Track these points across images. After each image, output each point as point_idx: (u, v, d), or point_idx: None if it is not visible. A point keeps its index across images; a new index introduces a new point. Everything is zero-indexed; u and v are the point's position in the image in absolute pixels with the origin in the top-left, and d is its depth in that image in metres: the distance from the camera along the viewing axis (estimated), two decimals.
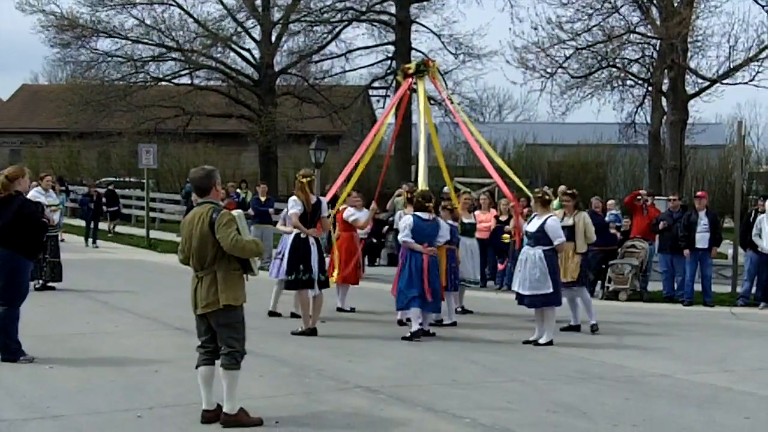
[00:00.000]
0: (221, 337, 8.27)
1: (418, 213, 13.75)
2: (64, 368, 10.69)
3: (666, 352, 13.26)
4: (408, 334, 13.40)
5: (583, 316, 14.85)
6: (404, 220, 13.84)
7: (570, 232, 14.43)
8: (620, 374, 11.49)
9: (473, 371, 11.41)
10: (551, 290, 13.33)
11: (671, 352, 13.35)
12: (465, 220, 16.47)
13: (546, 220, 13.50)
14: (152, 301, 16.86)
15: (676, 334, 15.16)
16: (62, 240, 27.90)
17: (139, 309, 15.74)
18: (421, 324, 13.49)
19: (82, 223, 30.61)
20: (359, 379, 10.55)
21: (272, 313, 15.21)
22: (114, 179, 39.85)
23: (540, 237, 13.46)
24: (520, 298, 13.69)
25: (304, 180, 13.55)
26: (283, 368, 11.11)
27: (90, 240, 28.82)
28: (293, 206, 13.40)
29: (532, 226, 13.66)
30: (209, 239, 8.13)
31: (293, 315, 15.09)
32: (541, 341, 13.35)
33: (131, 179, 41.81)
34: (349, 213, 15.56)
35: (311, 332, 13.46)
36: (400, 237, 13.81)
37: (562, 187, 16.60)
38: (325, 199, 14.22)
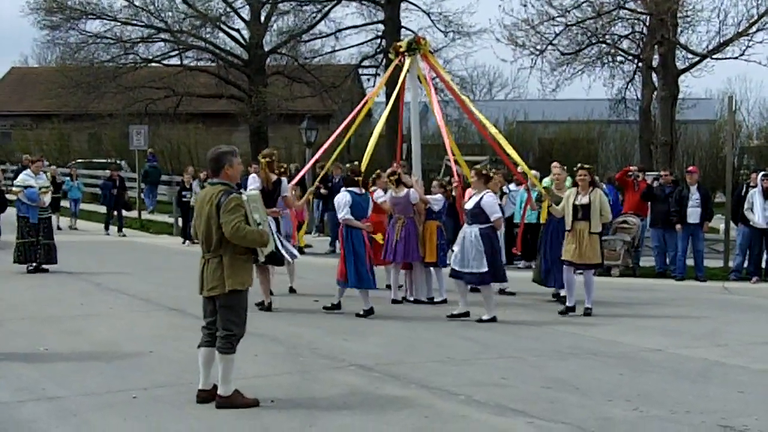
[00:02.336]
0: (221, 318, 8.25)
1: (351, 189, 13.69)
2: (59, 350, 10.69)
3: (659, 328, 13.29)
4: (362, 311, 13.46)
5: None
6: (341, 198, 13.69)
7: (585, 210, 14.00)
8: (613, 350, 11.51)
9: (467, 348, 11.42)
10: (486, 269, 13.17)
11: (664, 327, 13.38)
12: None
13: (483, 196, 13.32)
14: (145, 282, 16.85)
15: (668, 309, 15.19)
16: (75, 228, 27.91)
17: (133, 290, 15.73)
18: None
19: (98, 208, 30.40)
20: (354, 357, 10.56)
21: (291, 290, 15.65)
22: (81, 160, 40.03)
23: (477, 214, 13.29)
24: (457, 275, 13.55)
25: (264, 159, 13.84)
26: (278, 347, 11.12)
27: (115, 228, 27.57)
28: (251, 183, 13.55)
29: (469, 204, 13.52)
30: (215, 222, 8.09)
31: (291, 290, 15.29)
32: (484, 318, 13.25)
33: (110, 161, 41.67)
34: (379, 195, 15.30)
35: (268, 308, 13.61)
36: (340, 216, 13.61)
37: (554, 164, 16.54)
38: (285, 179, 14.31)
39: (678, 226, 18.83)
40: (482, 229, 13.23)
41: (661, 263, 19.70)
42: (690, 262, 19.09)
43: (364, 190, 13.90)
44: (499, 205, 13.93)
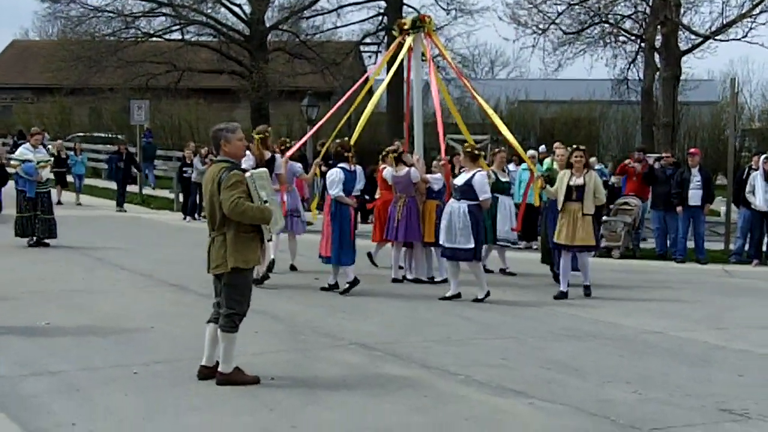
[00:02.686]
0: (224, 296, 8.26)
1: (342, 165, 13.66)
2: (60, 325, 10.71)
3: (659, 310, 13.32)
4: (347, 285, 13.54)
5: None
6: (333, 174, 13.60)
7: (580, 192, 13.95)
8: (613, 332, 11.54)
9: (467, 328, 11.46)
10: (472, 245, 13.17)
11: (664, 309, 13.41)
12: (501, 178, 16.39)
13: (474, 174, 13.29)
14: (147, 258, 16.86)
15: (669, 292, 15.22)
16: (79, 204, 27.84)
17: (134, 265, 15.75)
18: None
19: (106, 183, 30.28)
20: (354, 335, 10.59)
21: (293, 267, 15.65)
22: (82, 134, 39.98)
23: (466, 191, 13.27)
24: (443, 250, 13.65)
25: (257, 136, 13.94)
26: (278, 325, 11.14)
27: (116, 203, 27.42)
28: (245, 161, 13.47)
29: (459, 180, 13.51)
30: (218, 200, 8.08)
31: (292, 268, 15.32)
32: (479, 296, 13.29)
33: (94, 133, 41.71)
34: (388, 172, 15.32)
35: (262, 280, 13.58)
36: (332, 193, 13.54)
37: (557, 144, 16.53)
38: (279, 156, 14.34)
39: (679, 208, 18.84)
40: (470, 206, 13.23)
41: (662, 245, 19.72)
42: (691, 244, 19.11)
43: (353, 167, 13.89)
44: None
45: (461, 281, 13.50)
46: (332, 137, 18.07)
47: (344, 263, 13.56)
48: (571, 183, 13.98)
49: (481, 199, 13.25)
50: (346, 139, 14.60)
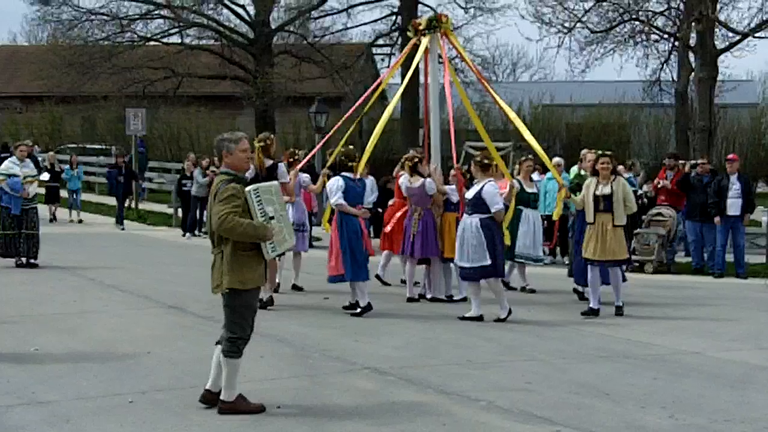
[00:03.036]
0: (225, 319, 8.25)
1: (345, 174, 13.69)
2: (50, 350, 10.70)
3: (696, 328, 13.26)
4: (358, 309, 13.49)
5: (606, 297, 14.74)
6: (333, 183, 13.70)
7: (608, 201, 13.83)
8: (647, 352, 11.49)
9: (489, 350, 11.42)
10: (489, 262, 13.11)
11: (701, 328, 13.35)
12: (527, 189, 16.29)
13: (483, 186, 13.24)
14: (143, 277, 16.89)
15: (706, 309, 15.15)
16: (80, 221, 27.86)
17: (130, 286, 15.77)
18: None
19: (99, 198, 30.26)
20: (366, 359, 10.56)
21: (295, 287, 15.60)
22: (75, 145, 40.12)
23: (477, 204, 13.22)
24: (461, 271, 13.64)
25: (258, 144, 13.89)
26: (285, 348, 11.12)
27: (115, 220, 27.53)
28: (251, 173, 13.54)
29: (470, 193, 13.47)
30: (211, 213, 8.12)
31: (295, 288, 15.31)
32: (501, 316, 13.23)
33: (93, 146, 41.79)
34: (404, 182, 15.20)
35: (267, 303, 13.57)
36: (332, 201, 13.63)
37: (584, 151, 16.48)
38: (283, 164, 14.31)
39: (717, 219, 18.79)
40: (483, 220, 13.17)
41: (699, 259, 19.67)
42: (729, 257, 19.04)
43: (359, 176, 13.90)
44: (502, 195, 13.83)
45: (483, 299, 13.45)
46: (341, 144, 17.95)
47: (356, 279, 13.54)
48: (598, 192, 13.90)
49: (493, 210, 13.18)
50: (352, 147, 14.59)
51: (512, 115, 16.71)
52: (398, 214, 15.72)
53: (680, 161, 21.71)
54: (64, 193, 29.37)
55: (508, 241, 15.96)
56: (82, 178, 30.37)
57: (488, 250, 13.08)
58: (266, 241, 8.16)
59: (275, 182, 9.10)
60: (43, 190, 28.41)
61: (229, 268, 8.09)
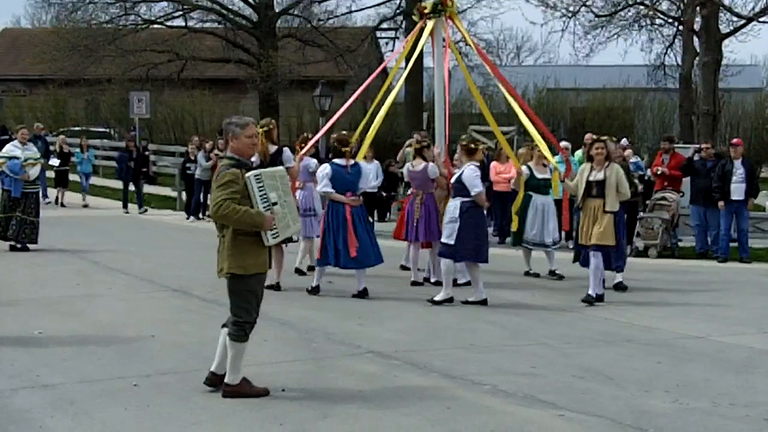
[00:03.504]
0: (231, 303, 8.23)
1: (335, 160, 13.66)
2: (54, 334, 10.70)
3: (700, 313, 13.24)
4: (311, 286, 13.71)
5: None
6: (321, 170, 13.76)
7: (600, 187, 13.68)
8: (650, 337, 11.48)
9: (492, 334, 11.41)
10: (452, 242, 13.14)
11: (705, 312, 13.33)
12: (538, 175, 16.22)
13: (464, 170, 13.28)
14: (147, 261, 16.89)
15: (710, 293, 15.13)
16: (85, 206, 27.76)
17: (134, 269, 15.76)
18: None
19: (104, 182, 30.07)
20: (370, 343, 10.55)
21: (297, 270, 15.58)
22: (76, 128, 39.95)
23: (459, 188, 13.26)
24: (442, 253, 13.64)
25: (261, 129, 13.71)
26: (289, 332, 11.12)
27: (135, 204, 27.25)
28: (255, 160, 13.54)
29: (454, 177, 13.54)
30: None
31: (298, 271, 15.30)
32: (436, 298, 13.24)
33: (94, 129, 41.70)
34: (406, 167, 15.17)
35: (276, 287, 13.71)
36: (319, 188, 13.65)
37: (588, 135, 16.43)
38: (287, 149, 14.22)
39: (720, 203, 18.76)
40: (463, 203, 13.20)
41: (702, 243, 19.64)
42: (733, 242, 19.00)
43: (353, 161, 13.87)
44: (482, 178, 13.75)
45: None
46: (356, 134, 17.65)
47: (336, 265, 13.70)
48: (591, 178, 13.79)
49: (472, 194, 13.17)
50: (344, 132, 14.57)
51: (510, 99, 16.62)
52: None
53: (675, 144, 21.68)
54: (72, 177, 29.29)
55: (515, 227, 15.99)
56: (93, 161, 30.20)
57: (457, 231, 13.12)
58: (264, 229, 8.10)
59: (281, 167, 9.04)
60: (52, 174, 28.45)
61: (230, 253, 8.06)
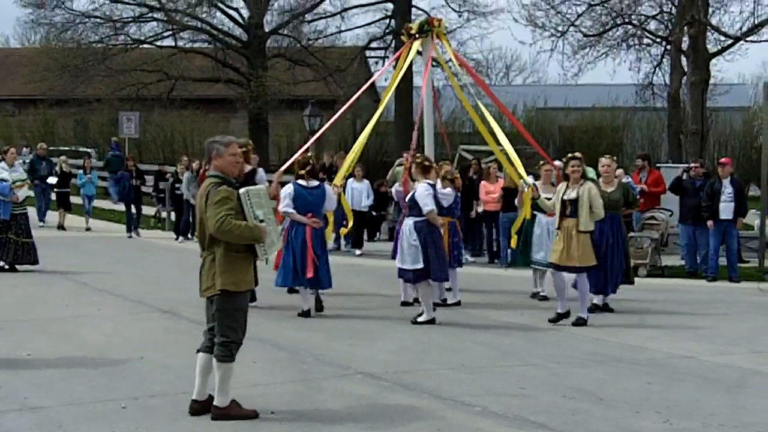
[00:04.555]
0: (217, 323, 8.19)
1: (299, 181, 13.71)
2: (43, 356, 10.66)
3: (690, 332, 13.24)
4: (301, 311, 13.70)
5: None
6: (284, 189, 13.79)
7: (574, 206, 13.36)
8: (641, 356, 11.47)
9: (483, 354, 11.39)
10: (421, 265, 13.18)
11: (695, 331, 13.33)
12: (544, 195, 16.04)
13: (417, 188, 13.38)
14: (136, 282, 16.84)
15: (700, 313, 15.13)
16: (88, 229, 27.14)
17: (123, 290, 15.72)
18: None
19: (101, 203, 29.57)
20: (361, 364, 10.53)
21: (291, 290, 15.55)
22: (67, 148, 39.61)
23: (413, 206, 13.36)
24: (398, 271, 13.74)
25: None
26: (279, 353, 11.09)
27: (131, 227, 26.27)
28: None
29: (408, 195, 13.62)
30: (206, 217, 8.06)
31: (290, 290, 15.29)
32: (419, 319, 13.25)
33: (81, 149, 41.46)
34: (441, 190, 15.12)
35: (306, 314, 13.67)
36: (280, 208, 13.64)
37: (577, 155, 16.38)
38: (261, 169, 14.32)
39: (710, 223, 18.76)
40: (417, 222, 13.27)
41: (692, 263, 19.65)
42: (722, 261, 19.02)
43: (317, 183, 13.89)
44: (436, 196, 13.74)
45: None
46: (354, 157, 17.48)
47: (285, 284, 13.87)
48: (565, 197, 13.56)
49: (424, 212, 13.23)
50: (309, 154, 14.63)
51: (493, 122, 16.52)
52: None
53: (650, 161, 21.92)
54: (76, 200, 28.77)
55: (514, 244, 15.89)
56: (97, 183, 29.15)
57: (422, 252, 13.17)
58: (261, 242, 8.13)
59: (263, 186, 9.05)
60: (53, 196, 28.06)
61: (222, 269, 8.05)
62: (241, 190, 8.15)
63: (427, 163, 13.67)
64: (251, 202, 8.11)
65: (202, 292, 8.24)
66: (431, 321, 13.22)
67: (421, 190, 13.31)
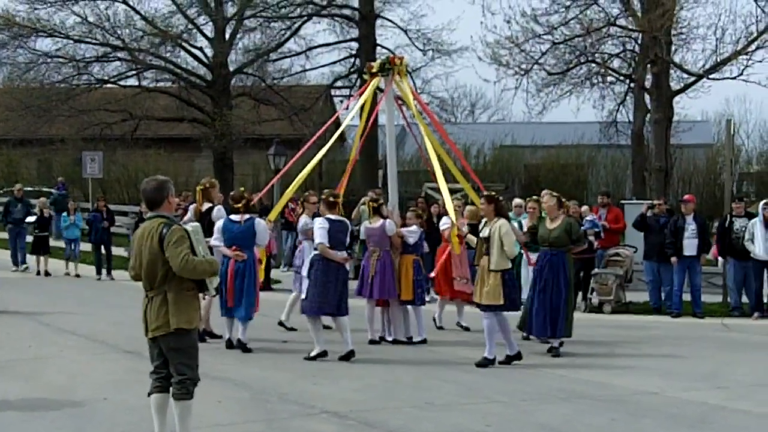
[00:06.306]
0: (172, 363, 8.14)
1: (231, 216, 14.17)
2: (5, 397, 10.60)
3: (654, 368, 13.30)
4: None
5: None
6: (217, 224, 14.18)
7: (488, 244, 13.09)
8: (605, 392, 11.52)
9: (448, 391, 11.41)
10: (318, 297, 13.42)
11: (660, 367, 13.39)
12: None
13: (315, 222, 13.85)
14: (99, 322, 16.77)
15: (664, 349, 15.20)
16: (77, 275, 26.28)
17: (86, 330, 15.65)
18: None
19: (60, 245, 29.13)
20: (325, 402, 10.52)
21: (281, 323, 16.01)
22: (30, 188, 39.21)
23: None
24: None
25: (199, 187, 14.84)
26: (243, 392, 11.07)
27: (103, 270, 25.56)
28: (189, 216, 14.71)
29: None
30: (159, 257, 7.99)
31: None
32: (343, 353, 13.35)
33: (44, 189, 41.18)
34: (408, 229, 15.14)
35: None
36: (210, 241, 13.53)
37: (544, 192, 16.41)
38: (219, 206, 14.79)
39: (673, 259, 18.89)
40: (314, 256, 13.61)
41: (656, 299, 19.75)
42: (686, 297, 19.13)
43: (246, 217, 14.11)
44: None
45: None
46: (294, 187, 17.57)
47: (226, 315, 14.19)
48: (481, 235, 13.40)
49: (315, 244, 13.59)
50: (242, 189, 14.99)
51: (433, 157, 16.50)
52: (442, 258, 16.07)
53: (610, 198, 22.22)
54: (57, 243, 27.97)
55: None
56: (81, 225, 27.09)
57: (330, 287, 13.40)
58: (217, 274, 8.24)
59: (197, 223, 9.00)
60: (30, 239, 27.32)
61: (176, 308, 8.04)
62: (188, 227, 8.18)
63: (332, 199, 13.89)
64: (197, 238, 8.15)
65: (150, 331, 8.19)
66: (350, 353, 13.33)
67: (317, 224, 13.64)
